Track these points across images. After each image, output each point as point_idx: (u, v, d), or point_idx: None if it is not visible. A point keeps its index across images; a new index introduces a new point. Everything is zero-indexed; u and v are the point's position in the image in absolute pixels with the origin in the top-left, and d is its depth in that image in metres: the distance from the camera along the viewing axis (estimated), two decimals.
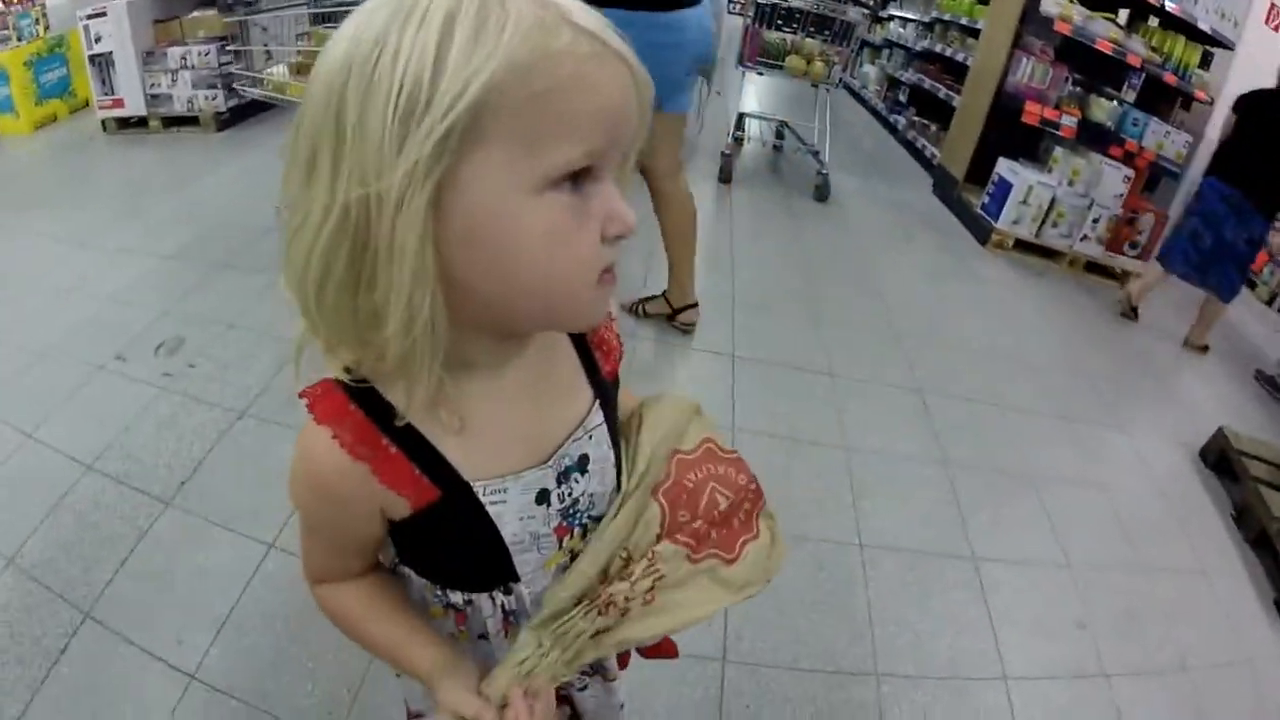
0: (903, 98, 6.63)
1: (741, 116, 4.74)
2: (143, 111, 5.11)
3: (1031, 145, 4.19)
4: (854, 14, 4.19)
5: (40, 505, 1.81)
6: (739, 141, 4.93)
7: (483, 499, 0.56)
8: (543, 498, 0.59)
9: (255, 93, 3.66)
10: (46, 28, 6.77)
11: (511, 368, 0.56)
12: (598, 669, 0.79)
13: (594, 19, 0.43)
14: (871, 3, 6.77)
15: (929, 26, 6.28)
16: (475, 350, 0.52)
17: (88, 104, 5.39)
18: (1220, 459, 2.54)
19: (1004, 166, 4.00)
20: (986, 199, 4.14)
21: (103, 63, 5.04)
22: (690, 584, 0.63)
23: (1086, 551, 2.05)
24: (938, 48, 5.83)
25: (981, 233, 4.10)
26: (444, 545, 0.60)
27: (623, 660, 0.86)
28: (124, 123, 5.14)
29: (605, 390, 0.64)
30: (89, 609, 1.54)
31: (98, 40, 4.98)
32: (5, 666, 1.43)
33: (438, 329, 0.44)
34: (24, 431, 2.06)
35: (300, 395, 0.51)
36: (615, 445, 0.65)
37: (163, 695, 1.39)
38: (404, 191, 0.39)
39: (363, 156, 0.40)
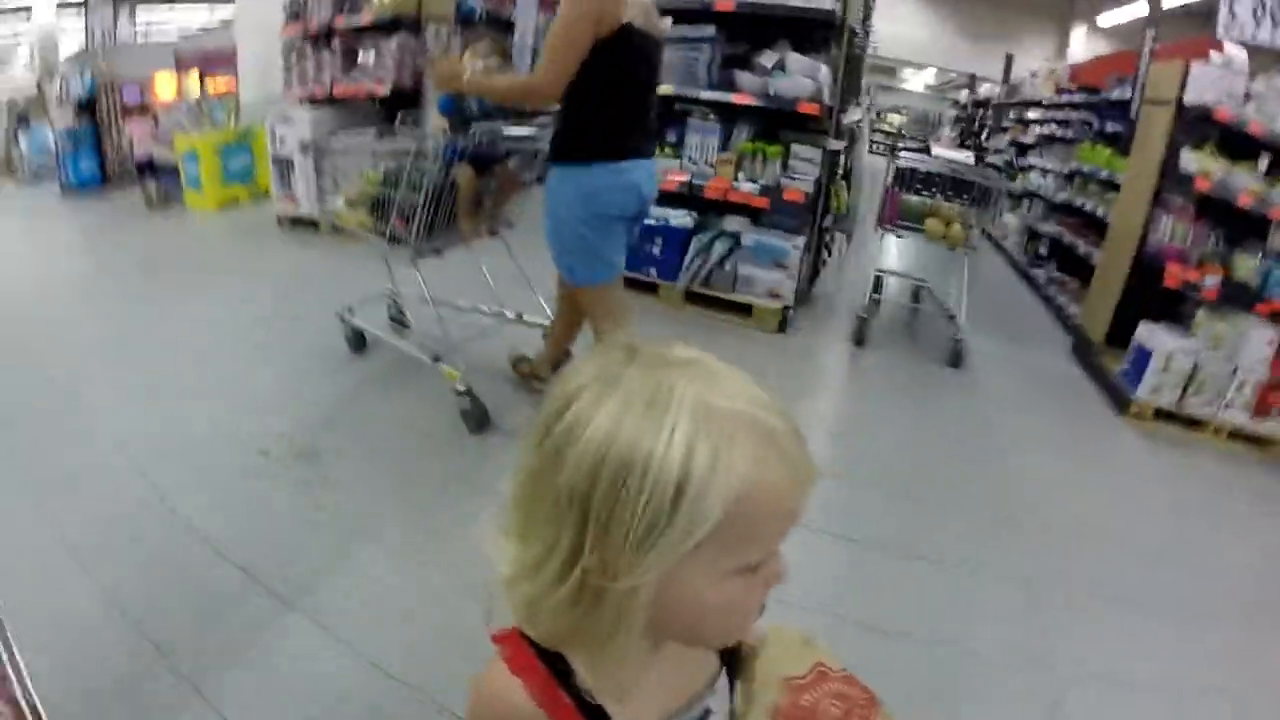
0: (1043, 250, 6.43)
1: (879, 277, 4.71)
2: (315, 215, 5.73)
3: (1173, 306, 3.89)
4: (993, 179, 4.14)
5: (173, 582, 1.88)
6: (877, 303, 4.89)
7: None
8: None
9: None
10: (237, 119, 7.93)
11: (661, 653, 0.63)
12: None
13: (794, 440, 0.53)
14: (1004, 165, 6.72)
15: (1068, 178, 6.11)
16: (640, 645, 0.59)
17: (267, 193, 6.09)
18: None
19: (1143, 332, 3.75)
20: (1126, 366, 3.86)
21: (283, 164, 5.71)
22: None
23: None
24: (1077, 201, 5.64)
25: (1119, 402, 3.80)
26: None
27: None
28: (297, 220, 5.77)
29: (730, 655, 0.71)
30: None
31: (281, 143, 5.70)
32: None
33: (638, 651, 0.56)
34: (173, 508, 2.15)
35: (493, 640, 0.62)
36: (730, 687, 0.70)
37: None
38: (634, 591, 0.50)
39: (605, 550, 0.49)
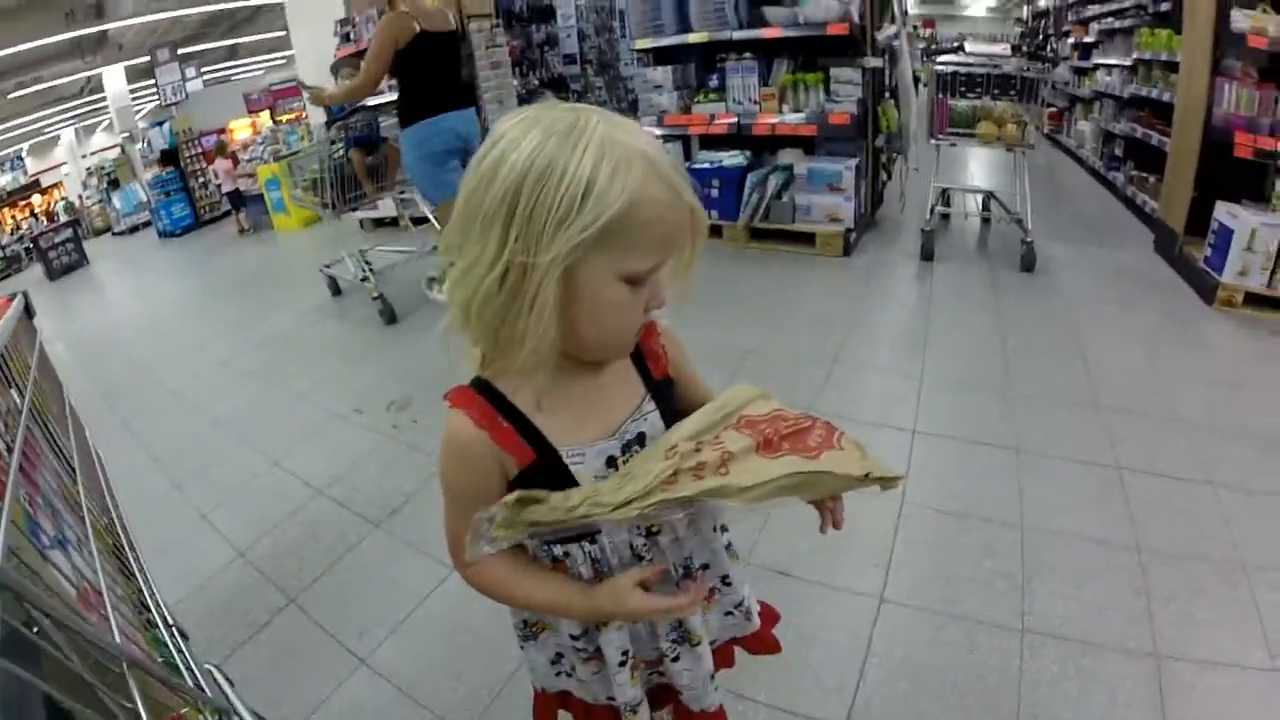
0: (1118, 151, 6.06)
1: (944, 191, 4.63)
2: (394, 213, 6.15)
3: (1255, 182, 3.63)
4: (1032, 69, 4.00)
5: (275, 516, 2.29)
6: (945, 218, 4.81)
7: (566, 460, 0.75)
8: (611, 463, 0.78)
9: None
10: (311, 141, 8.49)
11: (580, 376, 0.77)
12: (683, 637, 0.89)
13: (675, 172, 0.67)
14: (1048, 49, 6.32)
15: (1133, 69, 5.74)
16: (562, 365, 0.73)
17: None
18: None
19: (1222, 211, 3.49)
20: (1209, 251, 3.63)
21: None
22: (766, 466, 0.70)
23: None
24: (1144, 91, 5.31)
25: (1206, 290, 3.57)
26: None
27: (727, 658, 0.99)
28: (379, 222, 6.19)
29: (657, 387, 0.84)
30: (294, 597, 1.92)
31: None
32: (216, 629, 1.84)
33: (552, 352, 0.68)
34: (274, 459, 2.58)
35: (444, 396, 0.77)
36: (668, 425, 0.81)
37: (335, 671, 1.68)
38: (550, 267, 0.62)
39: (527, 236, 0.62)
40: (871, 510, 2.06)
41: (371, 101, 4.07)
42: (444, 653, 1.70)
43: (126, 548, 0.86)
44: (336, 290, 4.59)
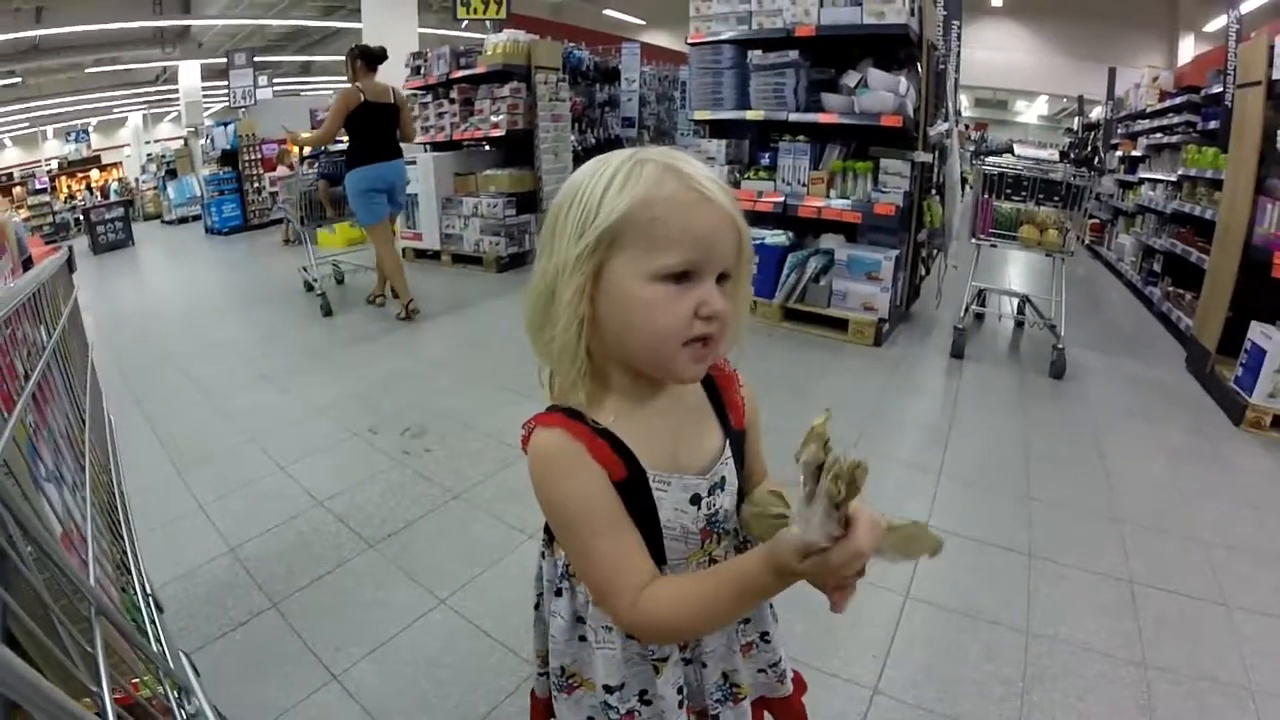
0: (1156, 267, 6.05)
1: (981, 291, 4.65)
2: (437, 247, 6.29)
3: None
4: (1080, 176, 4.04)
5: (272, 519, 2.27)
6: (979, 318, 4.82)
7: (651, 484, 0.74)
8: (695, 500, 0.77)
9: None
10: None
11: (658, 404, 0.78)
12: (728, 696, 0.87)
13: (701, 174, 0.69)
14: (1095, 161, 6.37)
15: (1177, 185, 5.76)
16: (624, 381, 0.76)
17: (394, 232, 6.73)
18: None
19: (1256, 332, 3.45)
20: (1240, 370, 3.58)
21: (408, 202, 6.35)
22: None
23: None
24: (1187, 208, 5.32)
25: (1235, 410, 3.50)
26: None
27: None
28: (420, 253, 6.34)
29: (734, 436, 0.84)
30: (277, 601, 1.90)
31: (407, 184, 6.32)
32: (191, 619, 1.83)
33: (582, 352, 0.71)
34: (280, 464, 2.59)
35: (523, 425, 0.77)
36: (739, 476, 0.83)
37: (305, 682, 1.64)
38: (573, 267, 0.68)
39: (559, 248, 0.70)
40: (874, 601, 2.01)
41: (334, 147, 5.46)
42: (419, 683, 1.65)
43: (120, 509, 0.86)
44: (309, 287, 5.41)
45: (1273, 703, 1.76)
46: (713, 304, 0.69)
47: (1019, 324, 4.85)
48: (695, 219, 0.68)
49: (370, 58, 4.38)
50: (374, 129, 4.44)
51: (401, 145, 4.72)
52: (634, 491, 0.73)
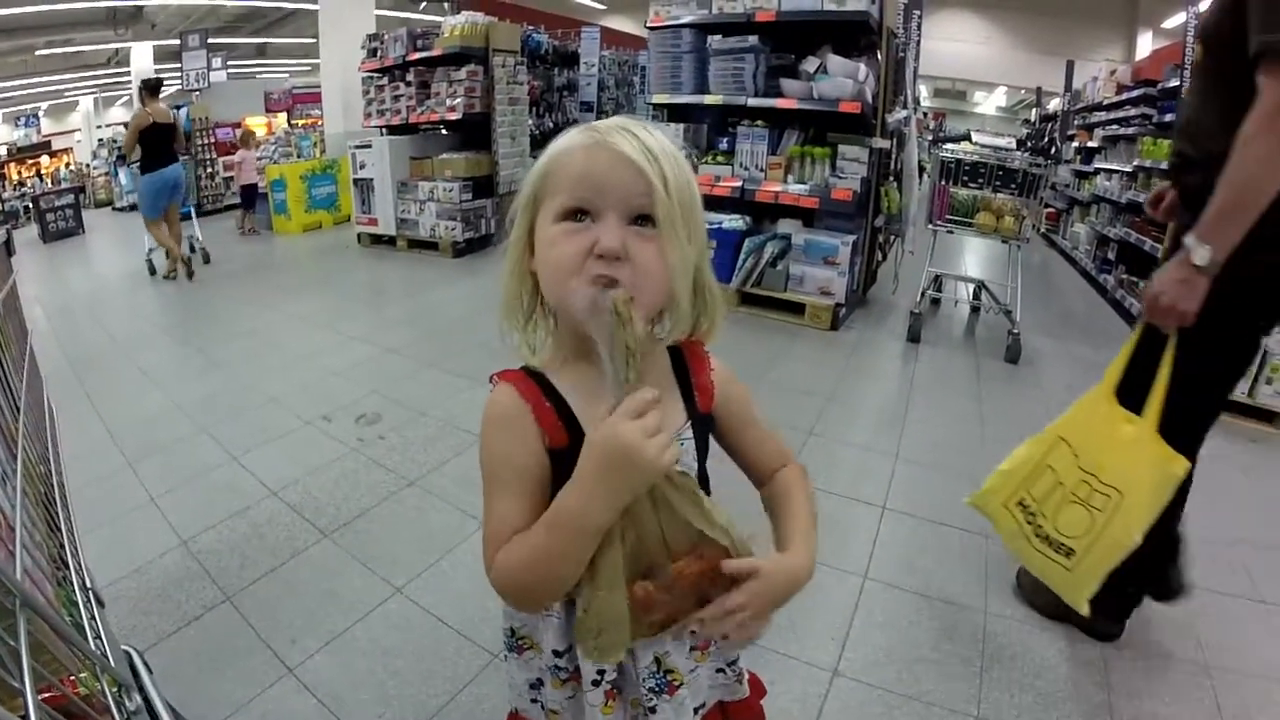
0: (1111, 255, 6.23)
1: (937, 277, 4.72)
2: (392, 232, 6.17)
3: None
4: (1036, 164, 4.12)
5: (225, 510, 2.21)
6: (935, 303, 4.90)
7: None
8: None
9: None
10: (323, 151, 8.57)
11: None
12: (662, 687, 0.84)
13: (615, 129, 0.72)
14: (1052, 151, 6.52)
15: (1133, 176, 5.95)
16: (578, 345, 0.76)
17: (349, 219, 6.68)
18: None
19: None
20: None
21: (364, 186, 6.24)
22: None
23: None
24: (1142, 197, 5.49)
25: None
26: (563, 483, 0.74)
27: None
28: (376, 239, 6.22)
29: (698, 419, 0.84)
30: (231, 595, 1.85)
31: (362, 167, 6.25)
32: (145, 615, 1.78)
33: (527, 307, 0.78)
34: (233, 454, 2.53)
35: (490, 378, 0.79)
36: (700, 461, 0.83)
37: (260, 676, 1.60)
38: (516, 223, 0.76)
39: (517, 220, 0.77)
40: (833, 583, 2.04)
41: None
42: (376, 674, 1.63)
43: (58, 503, 0.82)
44: (152, 271, 6.02)
45: (1224, 676, 1.85)
46: (605, 241, 0.69)
47: (975, 309, 4.94)
48: (589, 161, 0.71)
49: (152, 88, 5.89)
50: (159, 143, 5.78)
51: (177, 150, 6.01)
52: (577, 454, 0.70)
